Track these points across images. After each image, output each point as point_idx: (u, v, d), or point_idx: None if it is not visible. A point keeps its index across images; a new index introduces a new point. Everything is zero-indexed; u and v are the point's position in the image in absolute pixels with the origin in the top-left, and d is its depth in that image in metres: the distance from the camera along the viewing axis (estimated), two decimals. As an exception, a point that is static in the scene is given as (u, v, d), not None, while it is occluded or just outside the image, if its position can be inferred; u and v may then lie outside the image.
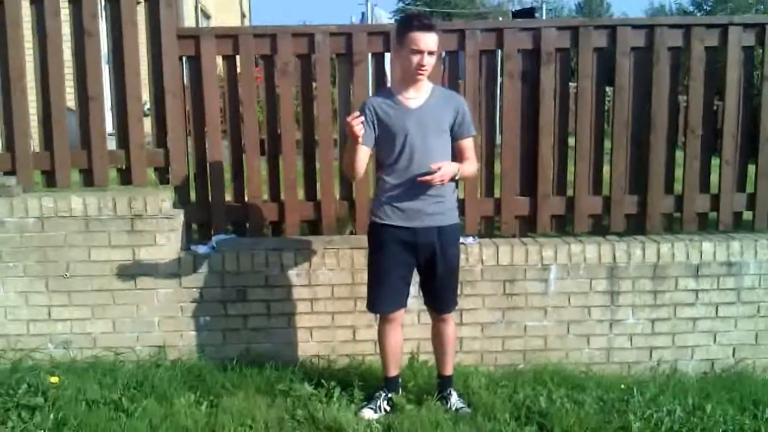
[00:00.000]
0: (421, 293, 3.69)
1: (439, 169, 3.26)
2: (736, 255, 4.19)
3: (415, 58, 3.30)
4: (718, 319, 4.22)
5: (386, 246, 3.45)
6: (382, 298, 3.51)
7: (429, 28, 3.29)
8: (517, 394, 3.74)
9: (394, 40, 3.45)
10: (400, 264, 3.47)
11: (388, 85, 4.35)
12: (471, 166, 3.54)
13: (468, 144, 3.53)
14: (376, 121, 3.43)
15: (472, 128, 3.54)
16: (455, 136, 3.49)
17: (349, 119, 3.22)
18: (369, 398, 3.65)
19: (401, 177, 3.40)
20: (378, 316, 3.61)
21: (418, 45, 3.28)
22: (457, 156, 3.50)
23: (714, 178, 4.49)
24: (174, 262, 4.08)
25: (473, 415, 3.53)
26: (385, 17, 11.95)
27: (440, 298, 3.58)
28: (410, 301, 3.86)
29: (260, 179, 4.41)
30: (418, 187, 3.35)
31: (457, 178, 3.40)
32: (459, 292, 3.81)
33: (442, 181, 3.29)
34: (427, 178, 3.26)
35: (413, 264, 3.50)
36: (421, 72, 3.34)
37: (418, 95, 3.43)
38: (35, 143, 4.40)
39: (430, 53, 3.31)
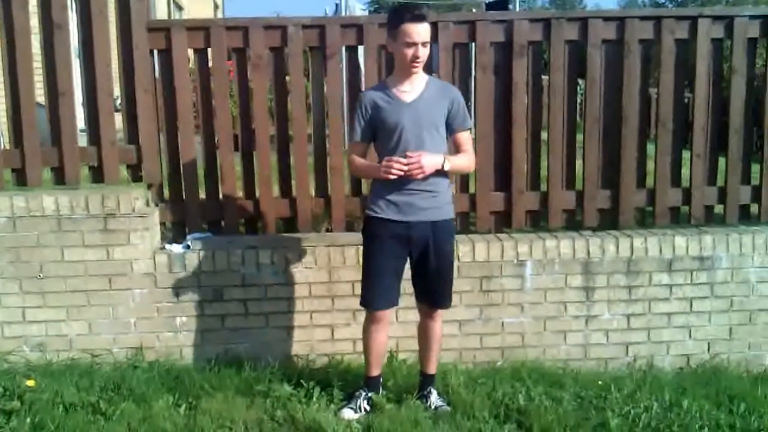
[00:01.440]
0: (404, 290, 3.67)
1: (413, 157, 3.25)
2: (709, 249, 4.24)
3: (409, 51, 3.29)
4: (693, 314, 4.28)
5: (380, 239, 3.44)
6: (376, 293, 3.48)
7: (421, 18, 3.27)
8: (495, 391, 3.76)
9: (387, 34, 3.42)
10: (393, 257, 3.45)
11: (362, 78, 4.34)
12: (464, 159, 3.52)
13: (464, 137, 3.52)
14: (370, 118, 3.42)
15: (468, 121, 3.53)
16: (451, 129, 3.48)
17: (391, 163, 3.26)
18: (348, 398, 3.64)
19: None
20: (366, 313, 3.57)
21: (412, 37, 3.26)
22: (453, 149, 3.50)
23: (685, 171, 4.54)
24: (149, 261, 4.03)
25: (452, 413, 3.54)
26: (359, 9, 11.87)
27: (434, 293, 3.56)
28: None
29: (235, 176, 4.37)
30: (412, 181, 3.33)
31: (446, 168, 3.37)
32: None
33: (422, 171, 3.27)
34: (402, 167, 3.25)
35: (405, 258, 3.49)
36: (415, 64, 3.33)
37: (412, 88, 3.41)
38: (4, 140, 4.31)
39: (424, 44, 3.30)
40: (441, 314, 3.65)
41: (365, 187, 4.35)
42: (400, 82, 3.42)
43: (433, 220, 3.43)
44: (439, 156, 3.36)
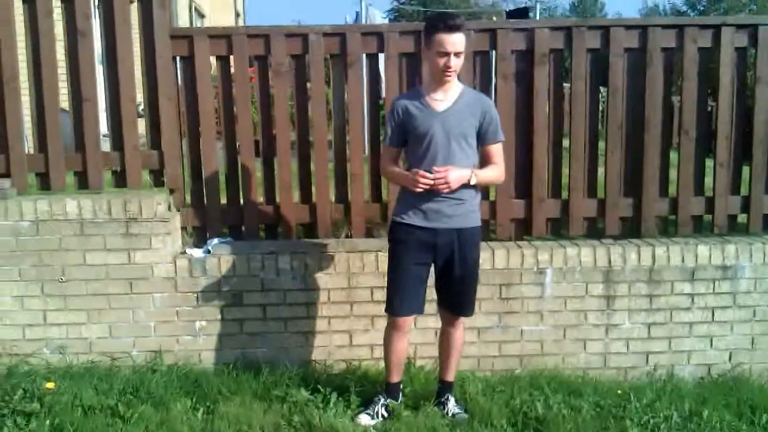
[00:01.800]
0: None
1: (440, 172, 3.25)
2: (732, 258, 4.20)
3: (442, 60, 3.28)
4: (715, 324, 4.23)
5: (406, 245, 3.43)
6: (401, 299, 3.47)
7: (455, 29, 3.25)
8: (513, 399, 3.74)
9: (422, 42, 3.43)
10: (419, 263, 3.44)
11: (382, 86, 4.35)
12: (493, 171, 3.49)
13: (495, 149, 3.48)
14: (401, 124, 3.43)
15: (499, 134, 3.49)
16: (482, 141, 3.46)
17: (418, 177, 3.27)
18: (366, 403, 3.64)
19: None
20: (388, 320, 3.57)
21: (445, 47, 3.25)
22: (483, 161, 3.48)
23: (708, 180, 4.50)
24: (169, 266, 4.06)
25: (470, 421, 3.52)
26: (379, 17, 11.92)
27: (457, 301, 3.55)
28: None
29: (255, 181, 4.39)
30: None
31: (472, 183, 3.35)
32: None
33: (448, 186, 3.27)
34: (429, 182, 3.26)
35: (430, 265, 3.49)
36: (448, 74, 3.31)
37: (446, 97, 3.40)
38: (29, 145, 4.36)
39: (457, 54, 3.28)
40: (463, 322, 3.64)
41: (385, 194, 4.35)
42: (434, 90, 3.42)
43: (459, 228, 3.42)
44: (467, 170, 3.34)
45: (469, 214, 3.45)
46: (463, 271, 3.46)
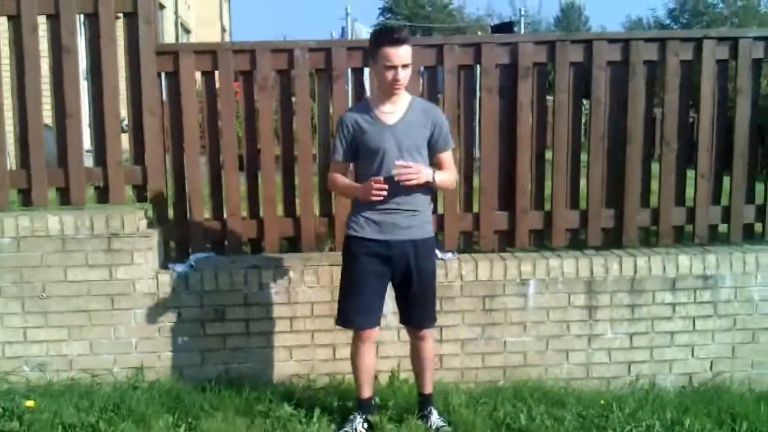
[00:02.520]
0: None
1: (410, 164, 3.23)
2: (712, 268, 4.23)
3: (390, 74, 3.27)
4: (696, 333, 4.25)
5: (360, 258, 3.41)
6: (355, 311, 3.44)
7: (400, 42, 3.23)
8: (497, 411, 3.74)
9: (369, 56, 3.43)
10: (375, 276, 3.42)
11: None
12: (449, 174, 3.49)
13: (446, 156, 3.50)
14: (351, 139, 3.41)
15: (449, 141, 3.51)
16: (433, 150, 3.46)
17: (372, 185, 3.23)
18: (344, 421, 3.60)
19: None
20: (353, 334, 3.54)
21: (391, 60, 3.24)
22: (436, 169, 3.45)
23: (689, 191, 4.53)
24: (151, 281, 4.04)
25: (453, 432, 3.52)
26: (365, 32, 11.95)
27: (417, 314, 3.52)
28: (390, 317, 3.87)
29: (239, 196, 4.39)
30: (392, 200, 3.33)
31: (435, 180, 3.33)
32: (438, 308, 3.82)
33: (418, 179, 3.24)
34: (402, 170, 3.22)
35: (387, 278, 3.46)
36: (396, 86, 3.31)
37: (395, 109, 3.39)
38: (11, 161, 4.35)
39: (404, 66, 3.27)
40: (431, 333, 3.62)
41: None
42: (383, 102, 3.40)
43: (414, 239, 3.41)
44: (429, 169, 3.35)
45: (423, 225, 3.45)
46: (421, 283, 3.44)
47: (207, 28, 22.39)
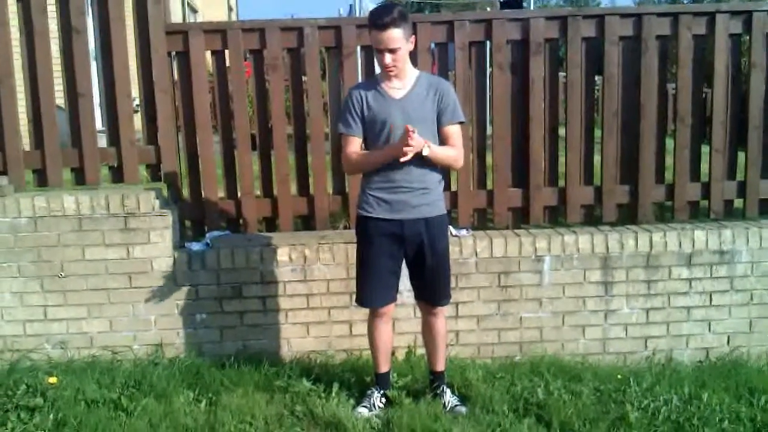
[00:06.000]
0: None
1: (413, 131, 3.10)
2: (728, 243, 4.22)
3: (379, 57, 3.25)
4: (712, 308, 4.25)
5: (373, 239, 3.40)
6: (372, 292, 3.45)
7: (384, 26, 3.15)
8: (514, 386, 3.76)
9: None
10: (388, 256, 3.41)
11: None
12: (449, 151, 3.36)
13: (453, 131, 3.38)
14: (361, 113, 3.36)
15: (458, 114, 3.39)
16: (440, 123, 3.37)
17: (410, 132, 3.08)
18: (362, 396, 3.63)
19: (386, 169, 3.32)
20: (369, 311, 3.56)
21: (377, 44, 3.21)
22: (443, 144, 3.38)
23: (704, 166, 4.52)
24: (168, 260, 4.06)
25: (471, 407, 3.53)
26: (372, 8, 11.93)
27: (431, 291, 3.52)
28: (406, 294, 3.88)
29: (252, 174, 4.40)
30: (403, 179, 3.30)
31: (425, 153, 3.21)
32: (453, 285, 3.83)
33: (410, 146, 3.10)
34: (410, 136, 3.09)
35: (401, 256, 3.45)
36: (388, 70, 3.26)
37: (403, 84, 3.35)
38: (25, 142, 4.37)
39: (391, 50, 3.20)
40: (443, 311, 3.60)
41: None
42: (389, 79, 3.35)
43: (426, 217, 3.38)
44: (422, 140, 3.20)
45: (435, 202, 3.41)
46: (434, 261, 3.42)
47: (213, 8, 22.30)
